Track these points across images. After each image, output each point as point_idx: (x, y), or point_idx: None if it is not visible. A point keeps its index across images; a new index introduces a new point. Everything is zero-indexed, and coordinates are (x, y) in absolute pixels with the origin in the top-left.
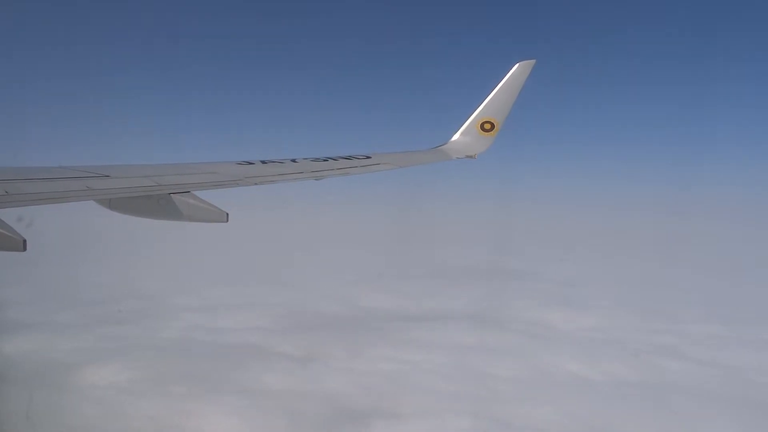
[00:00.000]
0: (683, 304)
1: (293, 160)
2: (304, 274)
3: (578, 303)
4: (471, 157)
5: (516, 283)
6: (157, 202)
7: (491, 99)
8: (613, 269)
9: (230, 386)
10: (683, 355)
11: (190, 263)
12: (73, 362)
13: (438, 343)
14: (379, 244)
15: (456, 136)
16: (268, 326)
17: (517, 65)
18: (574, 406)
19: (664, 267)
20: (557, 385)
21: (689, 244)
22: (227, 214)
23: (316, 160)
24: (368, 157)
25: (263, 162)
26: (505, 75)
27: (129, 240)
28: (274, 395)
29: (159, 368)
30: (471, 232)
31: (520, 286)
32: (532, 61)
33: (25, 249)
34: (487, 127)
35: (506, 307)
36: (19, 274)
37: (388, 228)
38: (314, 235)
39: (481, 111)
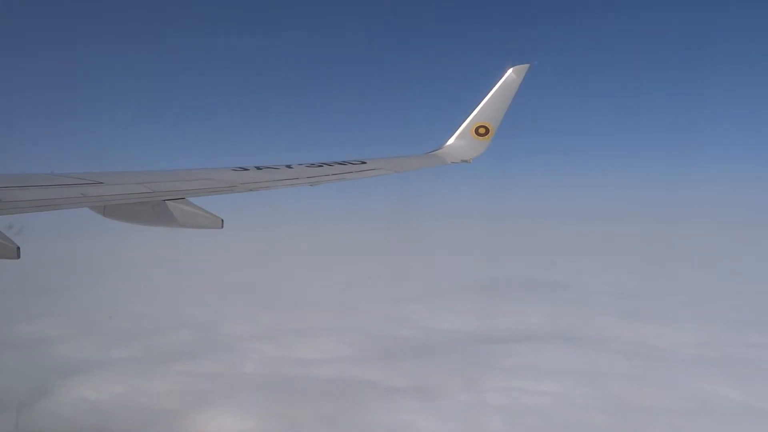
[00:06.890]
0: (760, 312)
1: (288, 166)
2: (341, 292)
3: (653, 316)
4: (466, 161)
5: (567, 295)
6: (152, 209)
7: (485, 103)
8: (647, 276)
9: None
10: None
11: (213, 281)
12: (175, 408)
13: (555, 368)
14: (395, 256)
15: (451, 141)
16: (352, 355)
17: (510, 70)
18: None
19: (696, 273)
20: (736, 416)
21: (693, 246)
22: (222, 220)
23: (311, 165)
24: (363, 163)
25: (258, 168)
26: (499, 79)
27: (133, 251)
28: None
29: (279, 412)
30: (481, 240)
31: (574, 299)
32: (526, 66)
33: (18, 256)
34: (481, 131)
35: (586, 324)
36: (45, 303)
37: (396, 237)
38: (323, 245)
39: (475, 115)
